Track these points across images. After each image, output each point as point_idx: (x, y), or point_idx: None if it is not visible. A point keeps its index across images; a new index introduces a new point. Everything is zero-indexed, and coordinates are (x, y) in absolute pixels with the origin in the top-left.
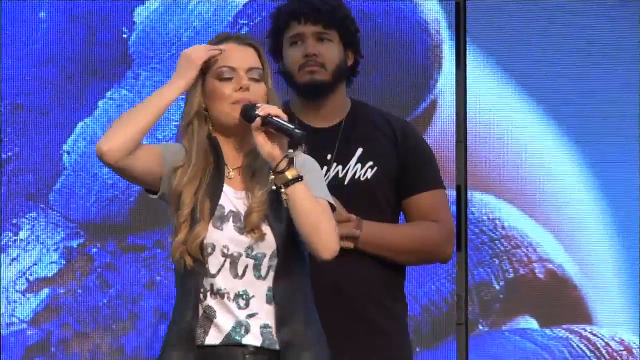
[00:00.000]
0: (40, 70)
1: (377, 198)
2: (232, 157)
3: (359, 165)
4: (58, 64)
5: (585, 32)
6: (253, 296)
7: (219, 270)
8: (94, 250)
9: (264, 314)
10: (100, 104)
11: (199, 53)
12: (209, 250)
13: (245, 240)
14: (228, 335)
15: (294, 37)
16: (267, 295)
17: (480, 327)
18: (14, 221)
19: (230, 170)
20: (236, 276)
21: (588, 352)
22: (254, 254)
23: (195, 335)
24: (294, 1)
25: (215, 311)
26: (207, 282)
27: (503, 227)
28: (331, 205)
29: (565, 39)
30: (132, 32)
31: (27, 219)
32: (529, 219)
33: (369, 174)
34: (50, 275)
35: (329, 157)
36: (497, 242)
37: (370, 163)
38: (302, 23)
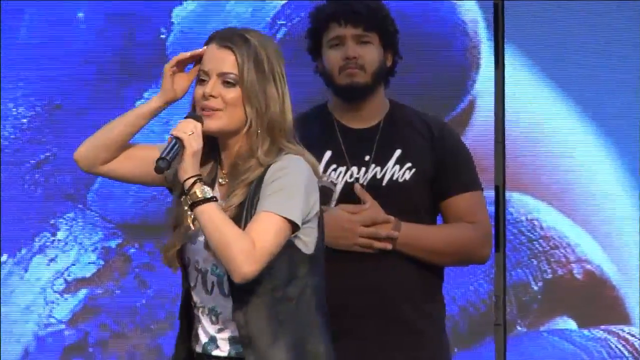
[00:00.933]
0: (78, 70)
1: (415, 199)
2: (227, 160)
3: (397, 167)
4: (96, 64)
5: (625, 33)
6: (220, 312)
7: (195, 284)
8: (132, 250)
9: (231, 328)
10: (137, 104)
11: (170, 61)
12: (186, 261)
13: (210, 255)
14: (203, 347)
15: (334, 39)
16: (231, 312)
17: (518, 328)
18: (52, 221)
19: (223, 175)
20: (206, 292)
21: (626, 353)
22: (217, 271)
23: (191, 341)
24: (333, 2)
25: (199, 322)
26: (192, 294)
27: (541, 228)
28: (290, 220)
29: (604, 39)
30: (169, 33)
31: (64, 219)
32: (567, 220)
33: (407, 175)
34: (88, 275)
35: (367, 158)
36: (535, 242)
37: (408, 164)
38: (342, 25)
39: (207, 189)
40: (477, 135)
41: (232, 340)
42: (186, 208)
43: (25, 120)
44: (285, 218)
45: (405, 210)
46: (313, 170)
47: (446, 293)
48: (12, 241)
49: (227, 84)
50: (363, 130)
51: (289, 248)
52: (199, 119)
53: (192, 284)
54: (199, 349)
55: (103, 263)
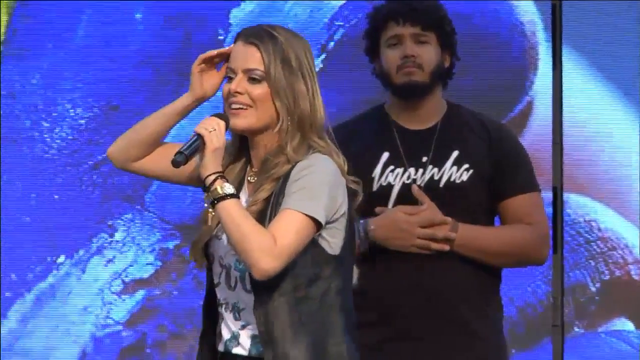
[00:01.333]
0: (136, 72)
1: (472, 200)
2: (257, 158)
3: (454, 168)
4: (153, 65)
5: None
6: (243, 308)
7: (219, 280)
8: None
9: (253, 325)
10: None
11: (197, 59)
12: (211, 258)
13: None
14: (225, 344)
15: (392, 38)
16: (253, 308)
17: (576, 329)
18: (110, 222)
19: (253, 173)
20: (230, 287)
21: None
22: (240, 266)
23: (215, 340)
24: (391, 1)
25: (222, 319)
26: (216, 291)
27: (599, 229)
28: (313, 218)
29: None
30: (227, 34)
31: (122, 220)
32: (625, 221)
33: (465, 177)
34: (145, 276)
35: (424, 159)
36: (592, 243)
37: (466, 165)
38: (400, 24)
39: (227, 185)
40: (534, 136)
41: (254, 339)
42: (206, 205)
43: (83, 122)
44: (308, 216)
45: (463, 212)
46: (340, 171)
47: (504, 294)
48: (70, 242)
49: (253, 80)
50: (420, 131)
51: (313, 248)
52: (224, 117)
53: (216, 281)
54: (221, 348)
55: (161, 264)
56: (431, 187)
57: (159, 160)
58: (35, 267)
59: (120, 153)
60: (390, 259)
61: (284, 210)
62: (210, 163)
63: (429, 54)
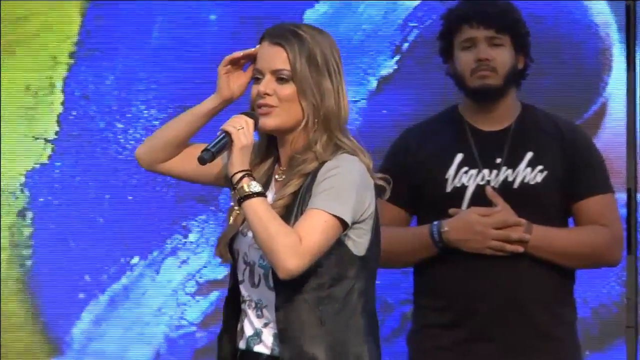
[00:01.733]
0: (210, 73)
1: (546, 202)
2: (285, 157)
3: (529, 169)
4: None
5: None
6: (266, 305)
7: (243, 277)
8: None
9: (275, 323)
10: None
11: (223, 60)
12: (236, 255)
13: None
14: (247, 341)
15: (466, 41)
16: (275, 305)
17: None
18: (184, 223)
19: (281, 171)
20: (253, 284)
21: None
22: (264, 263)
23: (236, 337)
24: (465, 3)
25: (245, 316)
26: (240, 288)
27: None
28: (340, 218)
29: None
30: None
31: (196, 221)
32: None
33: (539, 178)
34: (219, 277)
35: (499, 160)
36: None
37: (540, 167)
38: (474, 27)
39: (254, 183)
40: (609, 137)
41: (276, 337)
42: (232, 203)
43: (156, 123)
44: (334, 216)
45: (537, 213)
46: (368, 171)
47: (578, 295)
48: (144, 243)
49: (281, 80)
50: (494, 133)
51: (338, 247)
52: (252, 116)
53: (240, 278)
54: (242, 345)
55: None
56: (505, 189)
57: (186, 162)
58: (109, 269)
59: (148, 154)
60: (464, 260)
61: (311, 210)
62: (238, 161)
63: (502, 56)
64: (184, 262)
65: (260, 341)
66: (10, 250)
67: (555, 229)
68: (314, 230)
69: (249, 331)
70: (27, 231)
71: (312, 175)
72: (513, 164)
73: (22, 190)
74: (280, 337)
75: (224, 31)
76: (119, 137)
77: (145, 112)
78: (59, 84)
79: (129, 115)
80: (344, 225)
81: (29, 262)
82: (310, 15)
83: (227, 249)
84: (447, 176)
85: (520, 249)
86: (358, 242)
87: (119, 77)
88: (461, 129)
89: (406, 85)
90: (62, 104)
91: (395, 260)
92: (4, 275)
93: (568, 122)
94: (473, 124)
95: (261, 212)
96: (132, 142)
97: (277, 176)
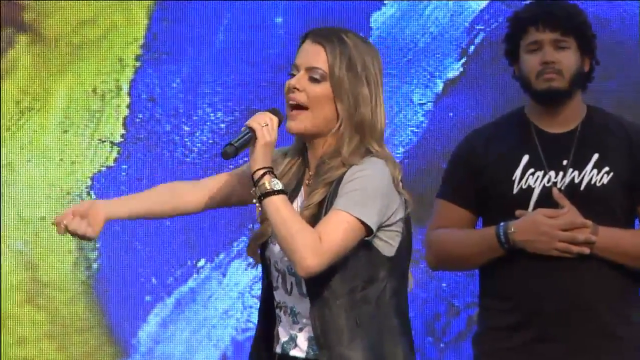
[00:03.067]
0: (276, 76)
1: (612, 204)
2: (314, 161)
3: (595, 171)
4: None
5: None
6: (299, 312)
7: (277, 284)
8: None
9: (309, 328)
10: None
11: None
12: (268, 263)
13: None
14: (282, 346)
15: (532, 44)
16: (310, 312)
17: None
18: (250, 226)
19: (310, 176)
20: (286, 291)
21: None
22: (293, 270)
23: (273, 341)
24: (531, 6)
25: (280, 321)
26: (275, 294)
27: None
28: (362, 221)
29: None
30: (368, 38)
31: None
32: None
33: (605, 180)
34: None
35: (565, 162)
36: None
37: (606, 168)
38: (539, 29)
39: (276, 181)
40: None
41: (311, 341)
42: (254, 200)
43: (223, 125)
44: (357, 219)
45: (603, 215)
46: (393, 177)
47: None
48: (211, 246)
49: (314, 80)
50: (560, 135)
51: (367, 250)
52: (277, 114)
53: (274, 284)
54: (278, 349)
55: None
56: (572, 190)
57: (211, 196)
58: (175, 271)
59: (164, 212)
60: (529, 261)
61: (334, 211)
62: (260, 157)
63: (568, 59)
64: (250, 265)
65: (296, 345)
66: (77, 253)
67: (621, 230)
68: (335, 231)
69: (284, 336)
70: None
71: (338, 181)
72: (579, 166)
73: (88, 193)
74: (318, 342)
75: (290, 34)
76: (185, 139)
77: (211, 114)
78: (126, 87)
79: (195, 117)
80: (367, 229)
81: (95, 265)
82: (377, 18)
83: (258, 253)
84: (513, 178)
85: (586, 250)
86: (388, 244)
87: (185, 80)
88: (527, 131)
89: (472, 88)
90: (129, 106)
91: (462, 262)
92: (71, 277)
93: (635, 123)
94: (539, 126)
95: (282, 209)
96: (198, 144)
97: (307, 181)
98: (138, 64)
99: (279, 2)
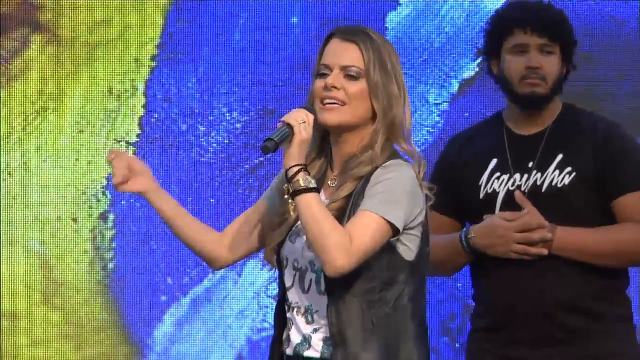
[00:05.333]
0: (292, 76)
1: (575, 204)
2: (339, 160)
3: (557, 172)
4: (309, 70)
5: None
6: (317, 311)
7: (292, 284)
8: None
9: (326, 328)
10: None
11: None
12: (285, 263)
13: (310, 253)
14: (295, 348)
15: (517, 47)
16: (327, 309)
17: None
18: None
19: (334, 175)
20: (304, 290)
21: None
22: (315, 267)
23: (283, 344)
24: (516, 6)
25: (292, 323)
26: (287, 295)
27: None
28: (390, 222)
29: None
30: None
31: None
32: None
33: (566, 180)
34: None
35: (530, 164)
36: None
37: (568, 169)
38: (528, 33)
39: (310, 179)
40: None
41: (326, 341)
42: (286, 196)
43: (239, 126)
44: (385, 220)
45: (566, 216)
46: (418, 180)
47: None
48: None
49: (351, 77)
50: (530, 137)
51: (390, 252)
52: (312, 111)
53: (288, 284)
54: (289, 352)
55: None
56: (534, 193)
57: (248, 240)
58: (191, 271)
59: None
60: (495, 266)
61: (363, 212)
62: (296, 154)
63: (553, 65)
64: (266, 265)
65: (310, 346)
66: (93, 253)
67: (582, 229)
68: (365, 232)
69: (296, 339)
70: (109, 234)
71: (366, 179)
72: (543, 168)
73: (104, 194)
74: (333, 340)
75: (306, 34)
76: (201, 140)
77: (227, 115)
78: (141, 87)
79: (211, 118)
80: (395, 230)
81: (111, 265)
82: (393, 18)
83: (273, 255)
84: (480, 182)
85: (544, 251)
86: (409, 248)
87: (200, 80)
88: (499, 134)
89: (488, 88)
90: (144, 106)
91: (438, 267)
92: (87, 277)
93: (608, 120)
94: (512, 128)
95: (315, 208)
96: (214, 145)
97: (330, 182)
98: (154, 64)
99: (295, 2)
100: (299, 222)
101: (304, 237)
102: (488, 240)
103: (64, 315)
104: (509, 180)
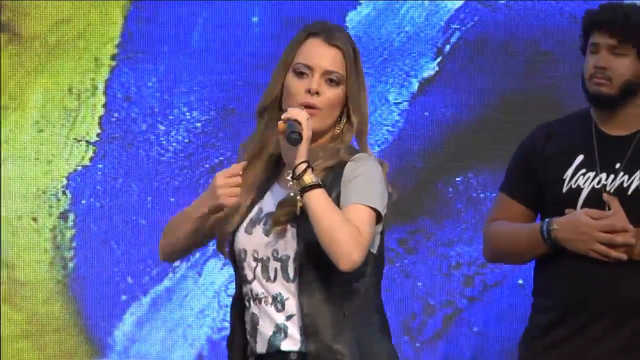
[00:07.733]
0: (252, 75)
1: None
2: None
3: None
4: (269, 69)
5: None
6: (287, 298)
7: (254, 275)
8: None
9: (299, 316)
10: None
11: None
12: (242, 255)
13: (271, 241)
14: (269, 342)
15: (592, 46)
16: (297, 297)
17: None
18: None
19: (288, 172)
20: (268, 279)
21: None
22: (279, 255)
23: (248, 345)
24: (604, 7)
25: (258, 317)
26: (247, 289)
27: None
28: (376, 211)
29: None
30: None
31: None
32: None
33: None
34: None
35: (618, 165)
36: None
37: None
38: (600, 33)
39: (314, 175)
40: None
41: (302, 330)
42: (292, 193)
43: (199, 125)
44: (374, 209)
45: None
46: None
47: None
48: None
49: (331, 82)
50: (620, 138)
51: None
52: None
53: (250, 277)
54: (261, 349)
55: None
56: (619, 194)
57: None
58: (151, 270)
59: (172, 255)
60: (571, 261)
61: (354, 206)
62: (304, 151)
63: (622, 67)
64: (226, 264)
65: (287, 336)
66: (53, 252)
67: None
68: (365, 223)
69: (268, 330)
70: (69, 233)
71: (335, 173)
72: (631, 170)
73: (64, 193)
74: (305, 331)
75: (266, 33)
76: (161, 139)
77: (187, 114)
78: (101, 86)
79: (171, 117)
80: (379, 219)
81: (71, 264)
82: (353, 17)
83: (224, 247)
84: (564, 177)
85: (624, 256)
86: (374, 240)
87: (160, 79)
88: (587, 131)
89: (448, 87)
90: (104, 106)
91: (514, 256)
92: (47, 276)
93: None
94: (600, 127)
95: (325, 203)
96: (174, 144)
97: (287, 175)
98: (114, 63)
99: (255, 1)
100: (253, 213)
101: (261, 225)
102: (570, 235)
103: (24, 314)
104: (594, 178)
